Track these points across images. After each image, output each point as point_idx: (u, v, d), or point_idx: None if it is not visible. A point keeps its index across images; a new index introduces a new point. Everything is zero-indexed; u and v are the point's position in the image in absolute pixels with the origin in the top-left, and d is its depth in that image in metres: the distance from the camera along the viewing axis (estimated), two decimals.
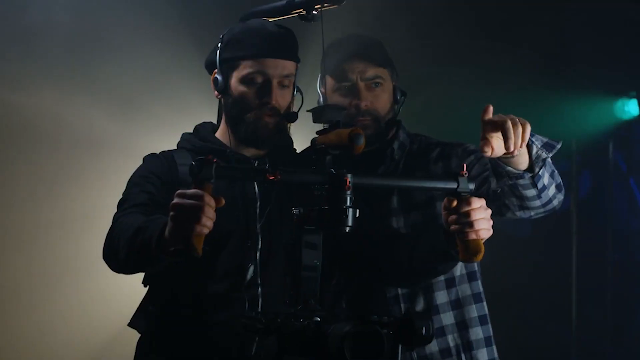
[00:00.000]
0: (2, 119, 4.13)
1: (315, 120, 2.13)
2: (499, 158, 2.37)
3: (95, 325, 4.33)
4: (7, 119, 4.13)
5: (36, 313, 4.22)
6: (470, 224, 2.21)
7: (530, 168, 2.41)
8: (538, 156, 2.39)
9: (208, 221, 2.02)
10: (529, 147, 2.37)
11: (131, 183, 2.59)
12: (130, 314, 2.65)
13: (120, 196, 2.58)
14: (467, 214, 2.21)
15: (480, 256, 2.24)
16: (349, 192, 2.01)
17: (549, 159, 2.45)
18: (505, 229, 4.42)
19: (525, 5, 4.75)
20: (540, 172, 2.41)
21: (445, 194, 2.27)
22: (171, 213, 2.04)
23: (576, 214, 5.58)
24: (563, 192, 2.59)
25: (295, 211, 2.10)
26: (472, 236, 2.22)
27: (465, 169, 2.23)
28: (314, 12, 3.19)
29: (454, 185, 2.21)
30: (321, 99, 2.98)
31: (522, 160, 2.39)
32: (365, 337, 1.84)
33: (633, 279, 5.72)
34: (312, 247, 2.08)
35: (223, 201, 2.04)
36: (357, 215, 2.04)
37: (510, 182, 2.45)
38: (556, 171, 2.53)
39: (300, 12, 3.31)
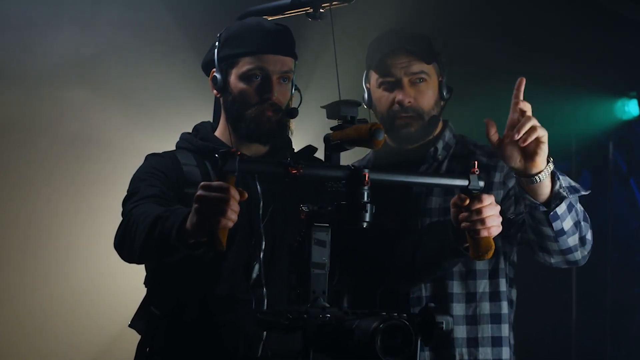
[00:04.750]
0: (1, 117, 4.11)
1: (329, 116, 2.12)
2: (520, 182, 2.40)
3: (96, 325, 4.32)
4: (6, 118, 4.11)
5: (36, 312, 4.20)
6: (482, 221, 2.22)
7: (548, 203, 2.40)
8: (557, 193, 2.38)
9: (233, 214, 2.00)
10: (553, 182, 2.38)
11: (137, 179, 2.57)
12: (131, 315, 2.64)
13: (123, 194, 2.56)
14: (479, 211, 2.22)
15: (491, 253, 2.24)
16: (367, 187, 2.01)
17: (578, 206, 2.46)
18: None
19: (525, 6, 4.74)
20: (559, 213, 2.40)
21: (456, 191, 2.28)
22: (195, 205, 2.02)
23: None
24: (588, 247, 2.58)
25: (304, 208, 2.09)
26: (484, 233, 2.22)
27: (476, 166, 2.23)
28: (321, 10, 3.18)
29: (465, 182, 2.22)
30: (366, 95, 2.95)
31: (542, 192, 2.39)
32: (392, 332, 1.84)
33: (633, 279, 5.72)
34: (321, 244, 2.07)
35: (246, 195, 2.03)
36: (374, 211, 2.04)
37: (526, 209, 2.45)
38: (585, 224, 2.52)
39: (307, 10, 3.31)
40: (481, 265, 2.80)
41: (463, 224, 2.25)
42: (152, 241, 2.21)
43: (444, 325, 1.85)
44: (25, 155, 4.20)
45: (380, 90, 2.90)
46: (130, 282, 3.17)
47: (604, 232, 5.70)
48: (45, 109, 4.18)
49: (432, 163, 2.90)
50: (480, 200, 2.22)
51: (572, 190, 2.42)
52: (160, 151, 2.69)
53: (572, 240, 2.51)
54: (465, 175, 2.22)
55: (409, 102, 2.85)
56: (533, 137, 2.30)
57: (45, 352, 4.21)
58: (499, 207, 2.26)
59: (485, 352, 2.79)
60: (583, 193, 2.46)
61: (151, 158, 2.66)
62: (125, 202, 2.51)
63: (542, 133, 2.30)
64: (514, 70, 5.22)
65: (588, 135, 5.51)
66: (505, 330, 2.83)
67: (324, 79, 3.68)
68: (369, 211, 2.00)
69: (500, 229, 2.26)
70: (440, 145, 2.91)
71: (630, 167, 5.80)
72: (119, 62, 4.27)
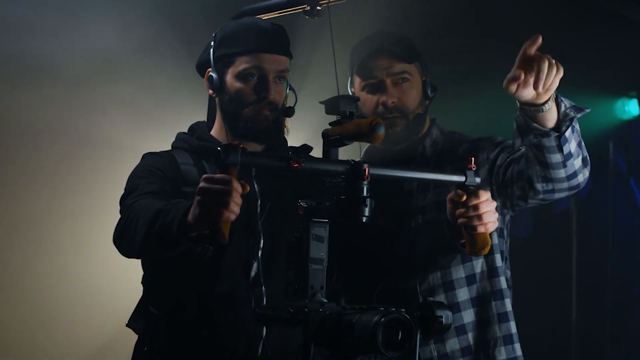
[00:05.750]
0: (2, 118, 4.12)
1: (328, 112, 2.13)
2: (526, 112, 2.35)
3: (94, 324, 4.31)
4: (6, 119, 4.12)
5: (35, 312, 4.20)
6: (479, 217, 2.23)
7: (557, 128, 2.37)
8: (566, 114, 2.35)
9: (235, 207, 2.00)
10: (558, 105, 2.34)
11: (135, 176, 2.56)
12: (129, 314, 2.63)
13: (121, 192, 2.55)
14: (476, 207, 2.22)
15: (487, 249, 2.25)
16: (366, 182, 2.01)
17: (577, 127, 2.41)
18: None
19: (525, 6, 4.74)
20: (567, 135, 2.37)
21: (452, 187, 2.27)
22: (198, 198, 2.02)
23: (576, 214, 5.58)
24: (589, 167, 2.55)
25: (302, 203, 2.09)
26: (481, 229, 2.23)
27: (473, 162, 2.24)
28: (318, 7, 3.18)
29: (462, 178, 2.22)
30: None
31: (550, 117, 2.35)
32: (393, 326, 1.84)
33: (633, 279, 5.72)
34: (319, 240, 2.08)
35: (248, 188, 2.03)
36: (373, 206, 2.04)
37: (535, 140, 2.40)
38: (583, 142, 2.49)
39: (304, 7, 3.31)
40: None
41: (460, 220, 2.25)
42: (153, 235, 2.20)
43: (443, 319, 1.86)
44: (26, 156, 4.20)
45: (364, 93, 2.91)
46: (129, 282, 3.16)
47: (604, 232, 5.70)
48: (46, 110, 4.18)
49: (420, 160, 2.90)
50: (477, 196, 2.23)
51: (576, 109, 2.39)
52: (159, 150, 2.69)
53: (577, 162, 2.48)
54: (462, 171, 2.23)
55: (393, 102, 2.85)
56: (555, 81, 2.25)
57: (43, 351, 4.20)
58: (495, 203, 2.26)
59: (493, 330, 2.78)
60: (586, 110, 2.42)
61: (149, 157, 2.65)
62: (123, 199, 2.50)
63: (561, 71, 2.24)
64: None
65: (588, 135, 5.47)
66: (509, 304, 2.82)
67: (318, 78, 3.68)
68: (368, 206, 2.00)
69: (497, 224, 2.27)
70: (428, 143, 2.92)
71: (630, 167, 5.80)
72: (118, 64, 4.28)
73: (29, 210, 4.20)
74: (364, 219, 2.02)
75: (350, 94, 2.96)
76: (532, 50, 2.22)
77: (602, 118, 5.64)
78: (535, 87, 2.21)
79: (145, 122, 4.29)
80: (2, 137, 4.15)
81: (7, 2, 4.03)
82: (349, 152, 2.44)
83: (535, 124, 2.36)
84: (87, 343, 4.34)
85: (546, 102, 2.30)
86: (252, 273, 2.51)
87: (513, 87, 2.24)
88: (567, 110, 2.36)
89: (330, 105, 2.09)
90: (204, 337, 2.49)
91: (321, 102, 2.14)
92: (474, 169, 2.23)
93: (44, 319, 4.22)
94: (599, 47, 5.08)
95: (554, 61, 2.22)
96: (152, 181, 2.51)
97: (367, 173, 2.01)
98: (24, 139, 4.19)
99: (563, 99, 2.36)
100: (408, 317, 1.85)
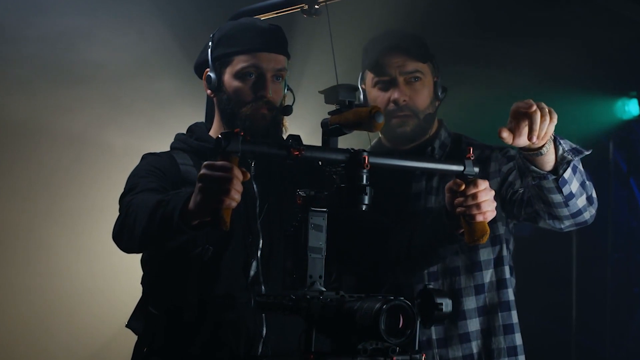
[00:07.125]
0: (2, 119, 4.12)
1: (327, 101, 2.12)
2: (525, 156, 2.37)
3: (94, 325, 4.32)
4: (7, 120, 4.13)
5: (35, 312, 4.21)
6: (478, 206, 2.22)
7: (555, 170, 2.38)
8: (563, 158, 2.36)
9: (237, 194, 2.00)
10: (556, 147, 2.35)
11: (135, 176, 2.56)
12: (129, 315, 2.62)
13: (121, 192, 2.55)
14: (474, 196, 2.22)
15: (486, 237, 2.25)
16: (366, 170, 2.01)
17: (581, 167, 2.43)
18: None
19: (525, 6, 4.75)
20: (566, 177, 2.38)
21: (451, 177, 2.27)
22: (199, 184, 2.02)
23: None
24: (595, 205, 2.55)
25: (301, 193, 2.08)
26: (480, 218, 2.23)
27: (471, 152, 2.24)
28: (316, 6, 3.18)
29: (460, 168, 2.22)
30: (362, 96, 2.96)
31: (548, 160, 2.36)
32: (394, 313, 1.85)
33: (633, 279, 5.73)
34: (318, 229, 2.07)
35: (249, 175, 2.02)
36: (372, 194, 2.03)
37: (533, 182, 2.42)
38: (589, 183, 2.50)
39: (302, 7, 3.31)
40: (485, 256, 2.81)
41: (458, 209, 2.25)
42: (154, 226, 2.20)
43: (443, 307, 1.85)
44: (27, 157, 4.22)
45: (376, 90, 2.90)
46: (129, 282, 3.16)
47: (604, 232, 5.71)
48: (46, 112, 4.19)
49: None
50: (475, 185, 2.23)
51: (576, 152, 2.39)
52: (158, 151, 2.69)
53: (581, 202, 2.49)
54: (460, 161, 2.23)
55: (404, 100, 2.85)
56: (550, 130, 2.28)
57: (43, 351, 4.21)
58: (493, 192, 2.26)
59: (498, 341, 2.79)
60: (586, 153, 2.43)
61: (149, 157, 2.65)
62: (122, 198, 2.50)
63: (555, 119, 2.26)
64: (514, 70, 5.25)
65: (588, 135, 5.50)
66: (515, 316, 2.83)
67: (316, 77, 3.69)
68: (368, 194, 2.00)
69: (494, 213, 2.26)
70: (437, 144, 2.92)
71: (630, 167, 5.81)
72: (117, 66, 4.29)
73: (29, 210, 4.21)
74: (364, 207, 2.01)
75: (361, 90, 2.96)
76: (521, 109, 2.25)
77: (602, 118, 5.64)
78: (530, 138, 2.24)
79: (144, 123, 4.31)
80: (2, 137, 4.15)
81: (5, 4, 4.04)
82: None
83: (532, 167, 2.38)
84: (87, 343, 4.35)
85: (543, 146, 2.32)
86: (252, 273, 2.50)
87: (508, 138, 2.26)
88: (565, 154, 2.36)
89: (329, 95, 2.09)
90: (204, 337, 2.48)
91: (320, 92, 2.13)
92: (472, 158, 2.23)
93: (44, 319, 4.22)
94: (599, 47, 5.09)
95: (547, 110, 2.24)
96: (151, 180, 2.51)
97: (366, 161, 2.00)
98: (24, 140, 4.20)
99: (562, 141, 2.37)
100: (409, 304, 1.84)
